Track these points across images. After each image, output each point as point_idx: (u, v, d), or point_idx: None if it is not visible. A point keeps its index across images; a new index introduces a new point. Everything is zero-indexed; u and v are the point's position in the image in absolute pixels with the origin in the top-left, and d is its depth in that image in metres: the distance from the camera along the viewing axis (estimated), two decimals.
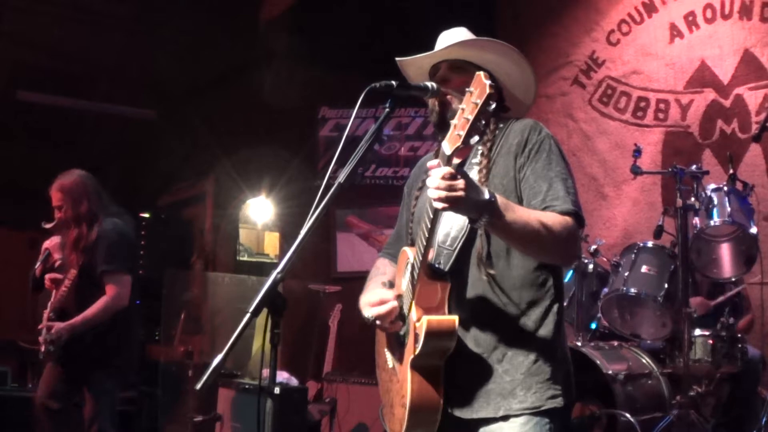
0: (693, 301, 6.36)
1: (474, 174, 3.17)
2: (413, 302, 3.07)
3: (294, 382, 7.99)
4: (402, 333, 3.20)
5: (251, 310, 2.69)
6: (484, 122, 2.67)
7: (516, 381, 3.10)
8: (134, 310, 6.60)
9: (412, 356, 3.03)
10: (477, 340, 3.14)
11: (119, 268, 6.42)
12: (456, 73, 3.36)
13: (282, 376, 7.69)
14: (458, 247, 3.17)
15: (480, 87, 2.64)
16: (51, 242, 6.57)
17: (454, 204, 2.75)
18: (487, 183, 3.15)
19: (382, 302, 3.21)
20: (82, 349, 6.35)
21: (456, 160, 2.80)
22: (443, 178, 2.73)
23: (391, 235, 3.84)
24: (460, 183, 2.74)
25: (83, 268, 6.43)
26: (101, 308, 6.31)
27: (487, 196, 2.83)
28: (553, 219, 3.03)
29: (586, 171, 8.71)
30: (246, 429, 7.15)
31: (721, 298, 6.59)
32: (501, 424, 3.09)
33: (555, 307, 3.20)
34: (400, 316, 3.21)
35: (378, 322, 3.26)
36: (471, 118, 2.65)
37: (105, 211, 6.60)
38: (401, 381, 3.15)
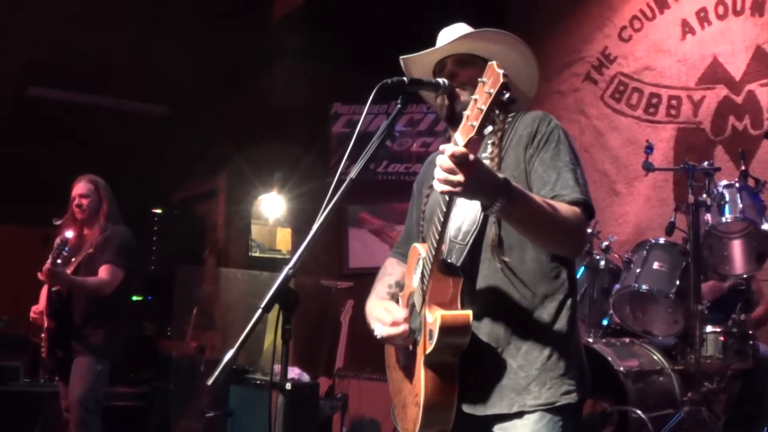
0: (705, 286, 6.37)
1: None
2: (426, 298, 3.03)
3: (305, 377, 8.01)
4: (414, 330, 3.17)
5: (263, 305, 2.68)
6: (497, 112, 2.65)
7: (531, 377, 3.07)
8: (128, 305, 6.97)
9: (425, 353, 2.99)
10: (491, 334, 3.11)
11: (121, 262, 6.83)
12: (463, 67, 3.32)
13: (293, 372, 7.70)
14: (470, 241, 3.13)
15: (493, 76, 2.59)
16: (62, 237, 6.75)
17: (464, 187, 2.68)
18: None
19: (394, 324, 3.16)
20: (77, 335, 6.75)
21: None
22: (452, 156, 2.65)
23: (400, 234, 3.80)
24: (472, 166, 2.66)
25: (84, 260, 6.84)
26: (93, 283, 6.77)
27: (501, 179, 2.76)
28: (563, 208, 2.98)
29: (598, 167, 8.71)
30: (258, 425, 7.16)
31: (730, 282, 6.58)
32: (515, 421, 3.06)
33: (569, 301, 3.17)
34: (411, 337, 3.17)
35: (387, 341, 3.26)
36: (485, 108, 2.60)
37: (115, 219, 7.04)
38: (414, 379, 3.12)
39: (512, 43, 3.33)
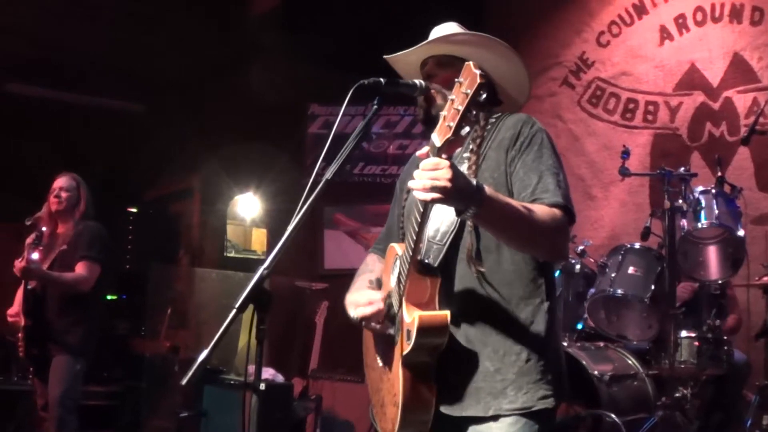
0: (679, 288, 6.40)
1: (464, 168, 3.11)
2: (403, 298, 3.01)
3: (279, 378, 7.99)
4: (392, 331, 3.14)
5: (237, 305, 2.66)
6: (474, 112, 2.63)
7: (507, 381, 3.04)
8: (102, 303, 6.98)
9: (403, 354, 2.97)
10: (467, 337, 3.09)
11: (96, 257, 6.82)
12: (442, 68, 3.31)
13: (267, 372, 7.67)
14: (448, 242, 3.11)
15: (470, 77, 2.57)
16: (36, 231, 6.72)
17: (439, 194, 2.67)
18: (477, 176, 3.07)
19: (369, 303, 3.16)
20: (53, 333, 6.71)
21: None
22: (429, 168, 2.67)
23: (381, 231, 3.77)
24: (446, 173, 2.65)
25: (58, 257, 6.81)
26: (70, 278, 6.73)
27: (474, 186, 2.76)
28: (542, 211, 2.97)
29: (574, 172, 8.71)
30: (231, 425, 7.14)
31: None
32: (490, 423, 3.04)
33: (546, 305, 3.14)
34: (388, 317, 3.16)
35: (364, 322, 3.23)
36: (461, 108, 2.58)
37: (89, 216, 7.04)
38: (392, 379, 3.10)
39: (492, 46, 3.29)
